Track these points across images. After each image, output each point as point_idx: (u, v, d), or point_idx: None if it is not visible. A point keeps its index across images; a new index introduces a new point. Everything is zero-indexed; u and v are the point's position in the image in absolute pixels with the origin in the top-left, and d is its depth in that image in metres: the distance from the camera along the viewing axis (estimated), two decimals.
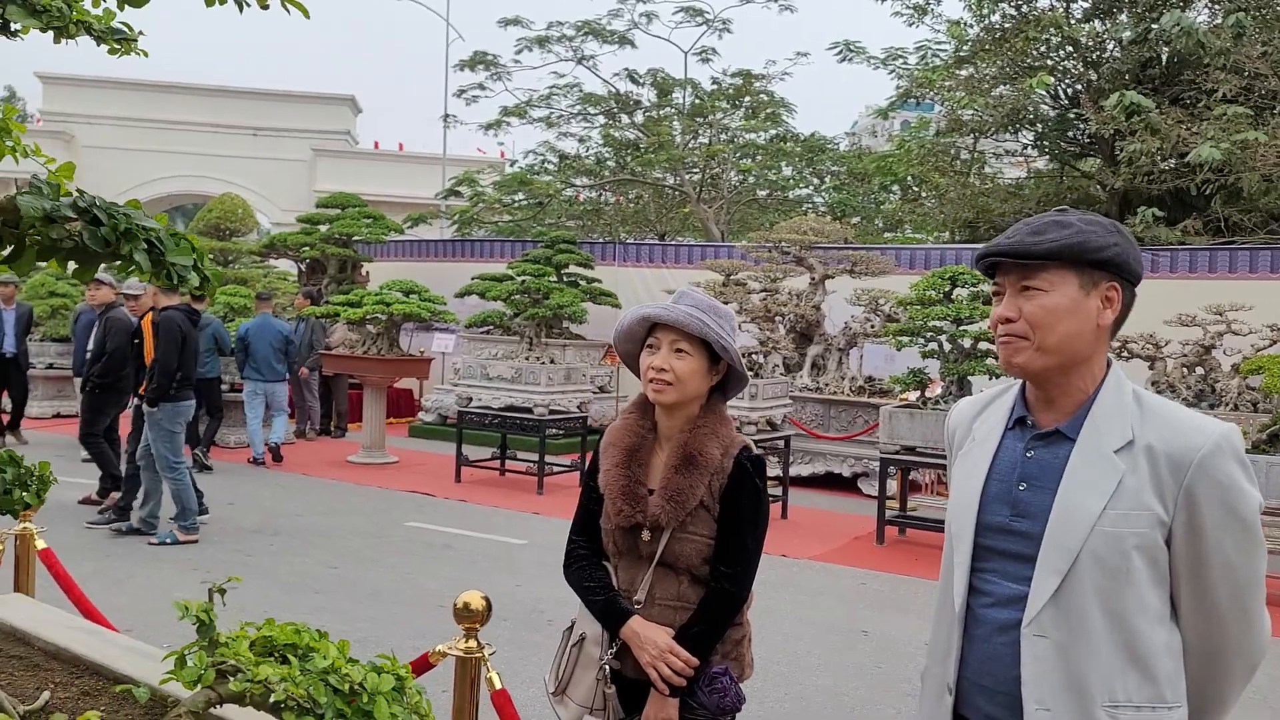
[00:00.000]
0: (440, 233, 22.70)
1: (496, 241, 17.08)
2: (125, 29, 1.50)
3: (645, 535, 2.27)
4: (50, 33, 1.44)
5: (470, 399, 11.46)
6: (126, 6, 1.10)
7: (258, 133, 30.53)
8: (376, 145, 33.46)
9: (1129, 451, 1.66)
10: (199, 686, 1.08)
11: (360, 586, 6.20)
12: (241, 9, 1.13)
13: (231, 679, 1.08)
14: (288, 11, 1.16)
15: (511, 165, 23.23)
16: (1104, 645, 1.63)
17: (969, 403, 1.97)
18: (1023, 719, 1.66)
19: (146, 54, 1.61)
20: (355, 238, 15.27)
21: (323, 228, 15.34)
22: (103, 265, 1.45)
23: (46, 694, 1.80)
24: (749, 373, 10.18)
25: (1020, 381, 1.84)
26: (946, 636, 1.81)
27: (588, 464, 2.46)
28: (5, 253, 1.22)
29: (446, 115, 23.89)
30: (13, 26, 1.44)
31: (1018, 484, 1.75)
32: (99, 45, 1.53)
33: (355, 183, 23.20)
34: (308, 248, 15.28)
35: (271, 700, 1.06)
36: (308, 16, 1.17)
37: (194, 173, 29.65)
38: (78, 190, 1.13)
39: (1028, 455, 1.76)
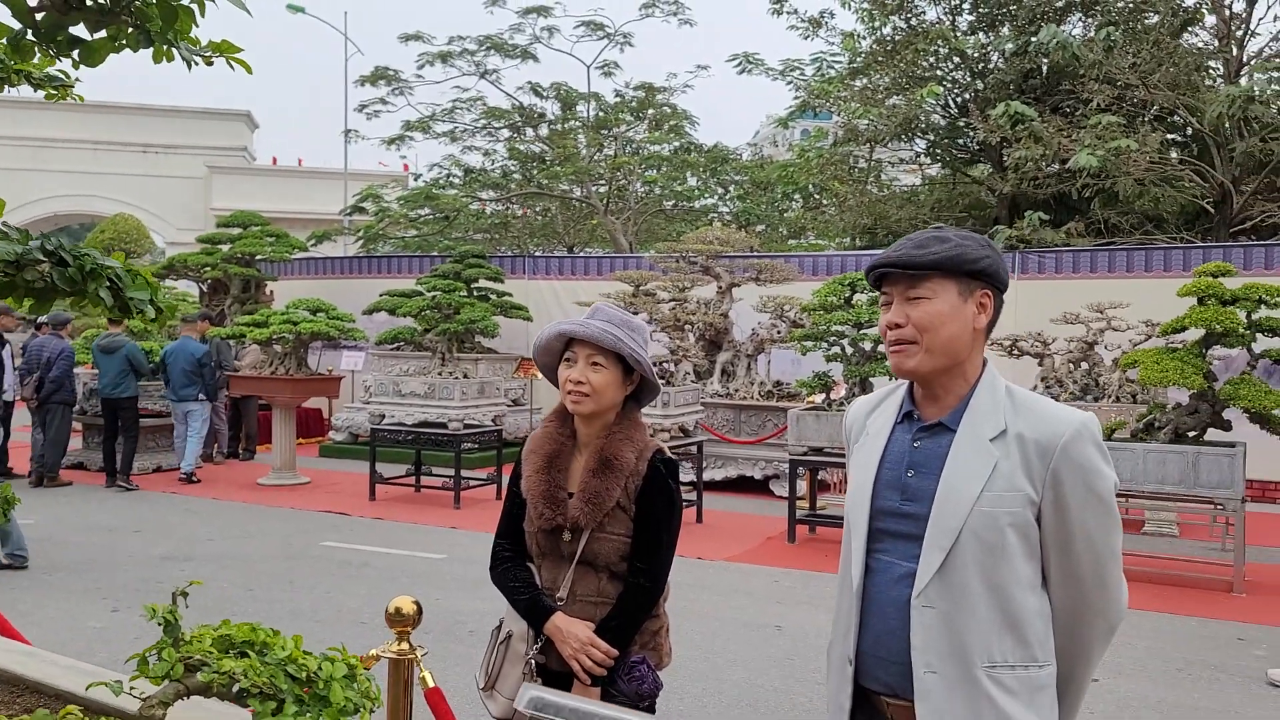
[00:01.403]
0: (345, 250, 22.44)
1: (403, 257, 16.98)
2: (62, 76, 1.59)
3: (566, 536, 2.42)
4: None
5: (383, 416, 11.41)
6: (80, 65, 1.21)
7: (148, 149, 29.66)
8: (275, 161, 32.84)
9: (1002, 440, 1.87)
10: (166, 681, 1.19)
11: (278, 608, 6.18)
12: (190, 68, 1.24)
13: (198, 672, 1.19)
14: (232, 68, 1.27)
15: (416, 180, 23.09)
16: (983, 613, 1.83)
17: (863, 401, 2.17)
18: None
19: (82, 99, 1.70)
20: (258, 257, 15.03)
21: (224, 247, 15.05)
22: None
23: None
24: (660, 381, 10.40)
25: (906, 384, 2.04)
26: (847, 614, 1.98)
27: (510, 471, 2.59)
28: None
29: (348, 130, 23.64)
30: None
31: (906, 471, 1.94)
32: (36, 91, 1.62)
33: (254, 200, 22.79)
34: (209, 268, 14.97)
35: (236, 689, 1.17)
36: (250, 73, 1.28)
37: (80, 192, 28.65)
38: (43, 235, 1.22)
39: (914, 445, 1.95)
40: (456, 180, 21.01)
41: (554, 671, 2.41)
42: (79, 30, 1.17)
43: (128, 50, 1.19)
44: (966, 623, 1.83)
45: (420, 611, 2.41)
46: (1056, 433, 1.84)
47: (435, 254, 16.58)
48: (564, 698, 1.10)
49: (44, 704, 1.99)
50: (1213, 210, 14.52)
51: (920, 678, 1.84)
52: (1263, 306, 7.38)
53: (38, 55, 1.20)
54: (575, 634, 2.35)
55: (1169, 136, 15.37)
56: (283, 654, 1.25)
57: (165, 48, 1.19)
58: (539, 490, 2.43)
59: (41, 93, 1.60)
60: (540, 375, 10.10)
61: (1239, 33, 14.62)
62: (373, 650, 2.31)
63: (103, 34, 1.17)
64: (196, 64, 1.24)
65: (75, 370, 11.06)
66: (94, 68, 1.21)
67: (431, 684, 2.39)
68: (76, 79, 1.62)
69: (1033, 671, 1.86)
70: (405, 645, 2.35)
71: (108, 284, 1.20)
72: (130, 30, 1.14)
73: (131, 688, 1.18)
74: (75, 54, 1.20)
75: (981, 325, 1.93)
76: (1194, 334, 7.55)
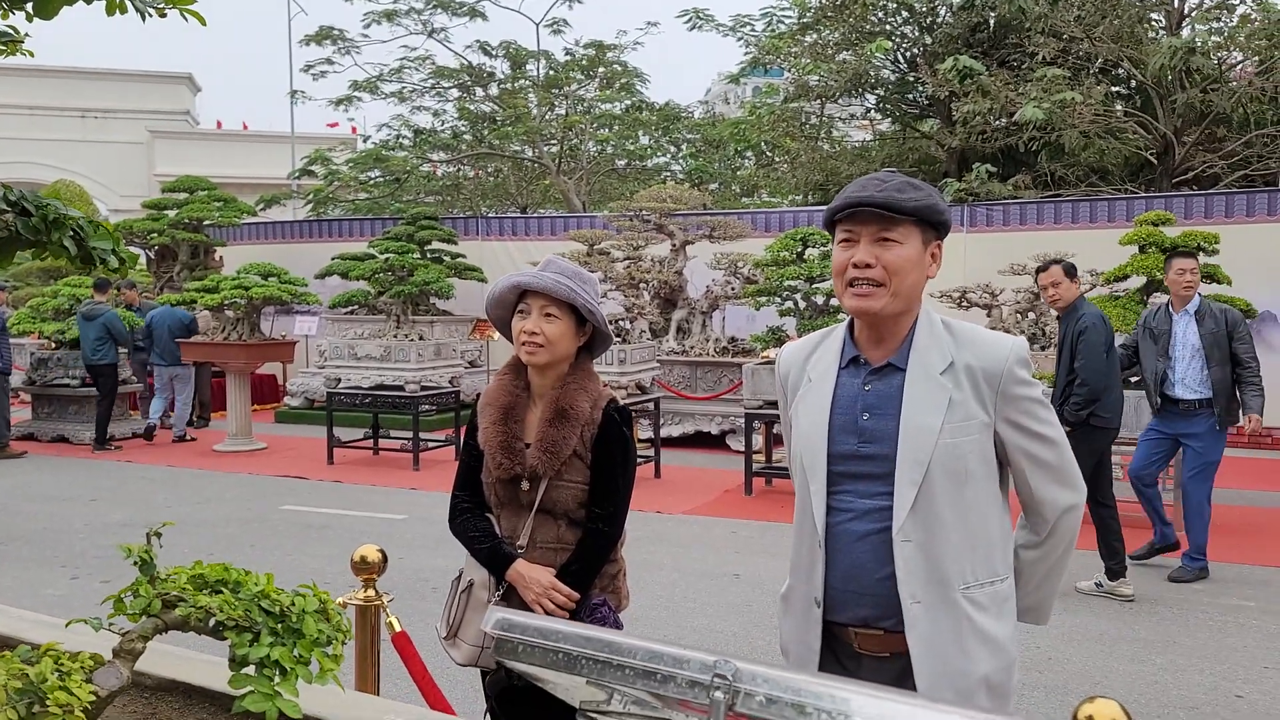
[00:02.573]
0: (294, 214, 22.10)
1: (355, 220, 16.79)
2: (12, 31, 1.58)
3: (524, 485, 2.47)
4: None
5: (339, 380, 11.36)
6: (34, 18, 1.21)
7: (86, 114, 28.88)
8: (219, 125, 32.16)
9: (951, 372, 1.95)
10: (144, 617, 1.23)
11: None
12: (144, 18, 1.25)
13: (175, 608, 1.23)
14: (185, 19, 1.28)
15: (365, 142, 22.77)
16: (956, 539, 1.92)
17: (795, 347, 2.21)
18: (891, 613, 1.94)
19: (32, 54, 1.70)
20: (206, 222, 14.78)
21: (171, 213, 14.78)
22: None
23: None
24: (616, 339, 10.45)
25: (843, 325, 2.10)
26: (809, 556, 2.04)
27: (467, 424, 2.63)
28: None
29: (294, 92, 23.18)
30: None
31: (861, 414, 1.99)
32: None
33: (198, 165, 22.30)
34: (156, 234, 14.70)
35: (213, 623, 1.22)
36: (204, 24, 1.29)
37: (17, 159, 27.82)
38: (3, 185, 1.24)
39: (865, 389, 2.01)
40: (406, 142, 20.73)
41: None
42: None
43: (81, 4, 1.21)
44: (942, 551, 1.92)
45: (385, 559, 2.46)
46: (1000, 358, 1.95)
47: (387, 216, 16.41)
48: (531, 618, 1.16)
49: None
50: (1155, 161, 14.81)
51: (908, 609, 1.92)
52: (1201, 254, 7.60)
53: None
54: (537, 579, 2.41)
55: (1113, 89, 15.59)
56: (255, 589, 1.30)
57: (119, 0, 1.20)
58: (497, 441, 2.47)
59: None
60: (497, 337, 10.21)
61: None
62: (340, 598, 2.36)
63: None
64: (150, 16, 1.25)
65: (21, 340, 10.85)
66: (48, 20, 1.21)
67: (399, 628, 2.45)
68: (26, 34, 1.62)
69: (997, 585, 1.98)
70: (371, 592, 2.41)
71: (71, 234, 1.22)
72: None
73: (110, 624, 1.22)
74: (29, 6, 1.22)
75: (934, 274, 2.00)
76: (1136, 282, 7.76)
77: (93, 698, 1.12)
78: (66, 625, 1.31)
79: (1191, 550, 6.14)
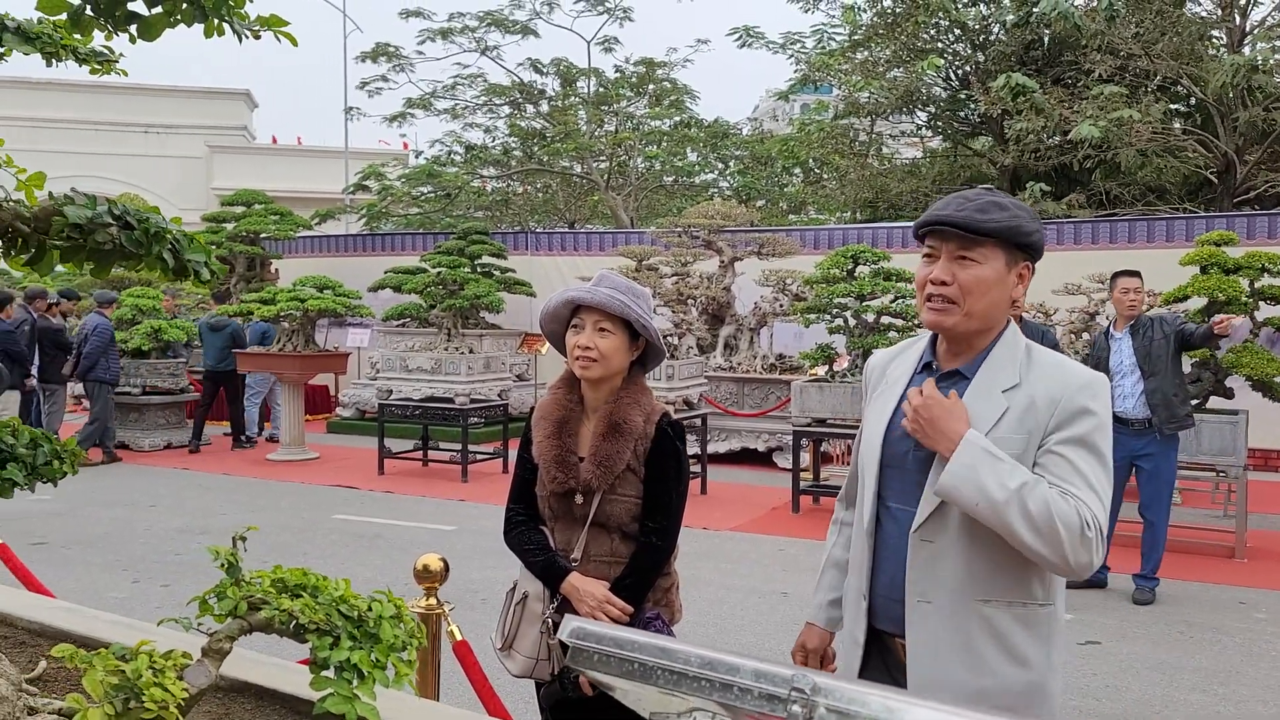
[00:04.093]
0: (348, 228, 22.46)
1: (407, 234, 17.02)
2: (107, 51, 1.65)
3: (578, 499, 2.49)
4: (41, 55, 1.60)
5: (390, 391, 11.50)
6: (138, 40, 1.27)
7: (148, 129, 29.62)
8: (275, 140, 32.81)
9: (1015, 391, 1.93)
10: (230, 618, 1.27)
11: None
12: (241, 40, 1.30)
13: (260, 610, 1.27)
14: (279, 41, 1.33)
15: (416, 157, 23.10)
16: (979, 550, 1.90)
17: (884, 352, 2.24)
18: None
19: (126, 73, 1.77)
20: (263, 235, 15.07)
21: (228, 226, 15.09)
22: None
23: (44, 663, 1.94)
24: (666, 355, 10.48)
25: (928, 336, 2.11)
26: (860, 553, 2.06)
27: (520, 438, 2.66)
28: (26, 257, 1.38)
29: (348, 108, 23.60)
30: None
31: None
32: (81, 66, 1.68)
33: (255, 179, 22.78)
34: (215, 246, 15.01)
35: (295, 626, 1.26)
36: (295, 45, 1.34)
37: (82, 173, 28.56)
38: (107, 199, 1.29)
39: None
40: (458, 157, 21.00)
41: None
42: (136, 5, 1.23)
43: (181, 25, 1.26)
44: (962, 559, 1.90)
45: (447, 568, 2.49)
46: (1068, 384, 1.91)
47: (438, 231, 16.62)
48: (605, 627, 1.18)
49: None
50: (1216, 180, 14.53)
51: (913, 606, 1.92)
52: (1265, 275, 7.44)
53: (98, 32, 1.27)
54: (591, 592, 2.43)
55: (1172, 107, 15.35)
56: (335, 594, 1.33)
57: (217, 22, 1.25)
58: (550, 455, 2.49)
59: (87, 67, 1.67)
60: (545, 351, 10.30)
61: (1242, 1, 14.57)
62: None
63: (159, 9, 1.24)
64: (246, 37, 1.30)
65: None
66: (150, 41, 1.27)
67: (459, 637, 2.47)
68: (121, 54, 1.68)
69: (1031, 609, 1.93)
70: (433, 600, 2.44)
71: (169, 246, 1.27)
72: (185, 5, 1.20)
73: (199, 624, 1.26)
74: (133, 29, 1.27)
75: (1019, 296, 2.00)
76: (1196, 303, 7.62)
77: (185, 694, 1.16)
78: (158, 624, 1.36)
79: (1147, 570, 6.08)
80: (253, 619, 1.27)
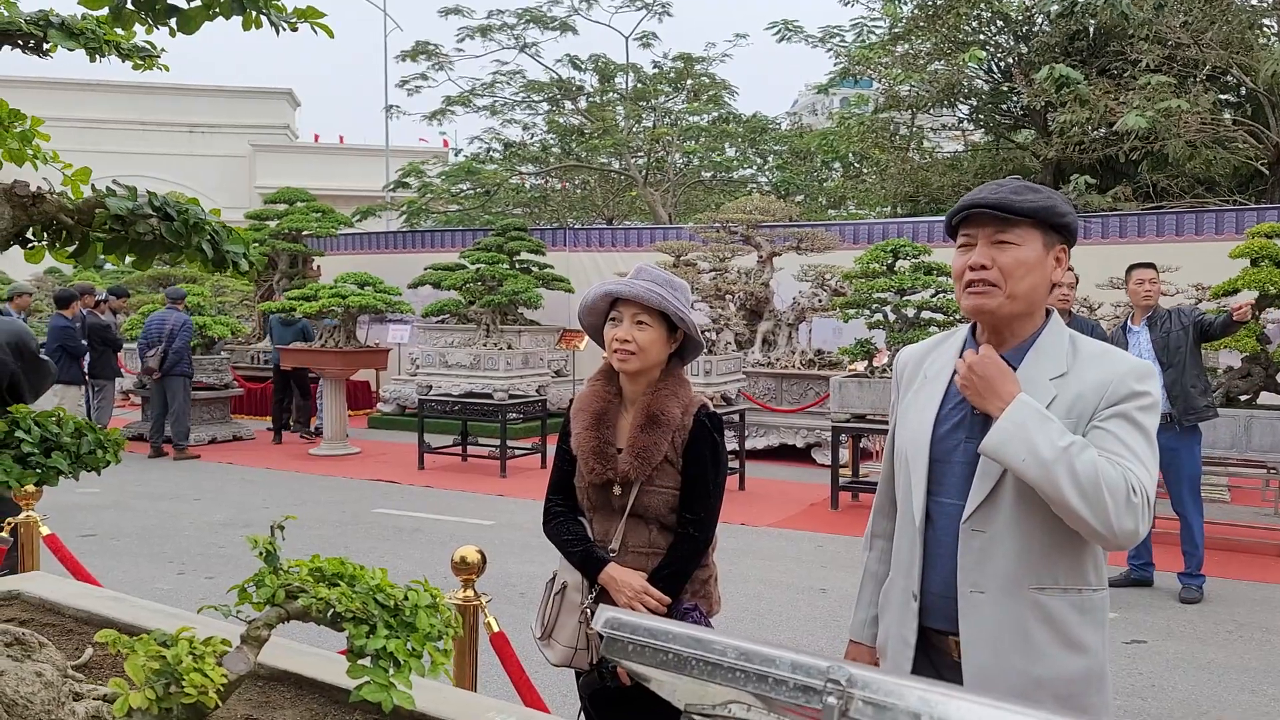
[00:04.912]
0: (388, 225, 22.67)
1: (446, 231, 17.14)
2: (149, 46, 1.67)
3: (616, 490, 2.49)
4: (85, 51, 1.62)
5: (430, 387, 11.59)
6: (177, 33, 1.28)
7: (193, 129, 30.10)
8: (316, 139, 33.19)
9: (1062, 380, 1.91)
10: (268, 606, 1.28)
11: None
12: (278, 32, 1.32)
13: (298, 599, 1.28)
14: (315, 33, 1.34)
15: (456, 155, 23.25)
16: (1035, 541, 1.88)
17: (914, 347, 2.21)
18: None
19: (168, 68, 1.79)
20: (305, 232, 15.25)
21: (271, 223, 15.29)
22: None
23: (90, 650, 1.98)
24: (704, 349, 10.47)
25: (965, 327, 2.09)
26: (908, 551, 2.02)
27: (560, 430, 2.66)
28: (70, 249, 1.40)
29: (389, 106, 23.78)
30: (44, 46, 1.62)
31: (973, 410, 1.96)
32: (124, 61, 1.71)
33: (297, 177, 23.07)
34: (258, 244, 15.23)
35: (332, 614, 1.27)
36: (331, 36, 1.35)
37: (129, 172, 29.03)
38: (148, 191, 1.31)
39: None
40: (496, 154, 21.10)
41: None
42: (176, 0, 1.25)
43: (219, 19, 1.27)
44: (1014, 547, 1.88)
45: (484, 560, 2.50)
46: (1117, 371, 1.89)
47: (477, 228, 16.72)
48: (640, 617, 1.18)
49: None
50: (1267, 172, 14.20)
51: (965, 596, 1.90)
52: None
53: (139, 26, 1.28)
54: (629, 583, 2.43)
55: (1221, 97, 15.02)
56: (371, 583, 1.34)
57: (254, 14, 1.26)
58: (589, 446, 2.49)
59: (130, 63, 1.69)
60: (583, 347, 10.28)
61: None
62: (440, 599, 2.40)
63: (198, 2, 1.25)
64: (283, 30, 1.31)
65: (131, 344, 11.35)
66: (189, 35, 1.28)
67: (496, 628, 2.48)
68: (162, 49, 1.70)
69: (1086, 595, 1.91)
70: (470, 592, 2.45)
71: (209, 238, 1.28)
72: None
73: (238, 611, 1.28)
74: (172, 22, 1.28)
75: (1057, 278, 1.98)
76: (1247, 296, 7.45)
77: (224, 680, 1.17)
78: (198, 611, 1.37)
79: (1191, 569, 5.97)
80: (290, 607, 1.28)
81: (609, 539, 2.51)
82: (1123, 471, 1.79)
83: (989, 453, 1.85)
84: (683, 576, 2.48)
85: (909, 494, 2.03)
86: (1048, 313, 2.01)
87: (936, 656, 2.02)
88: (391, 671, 1.27)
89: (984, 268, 1.92)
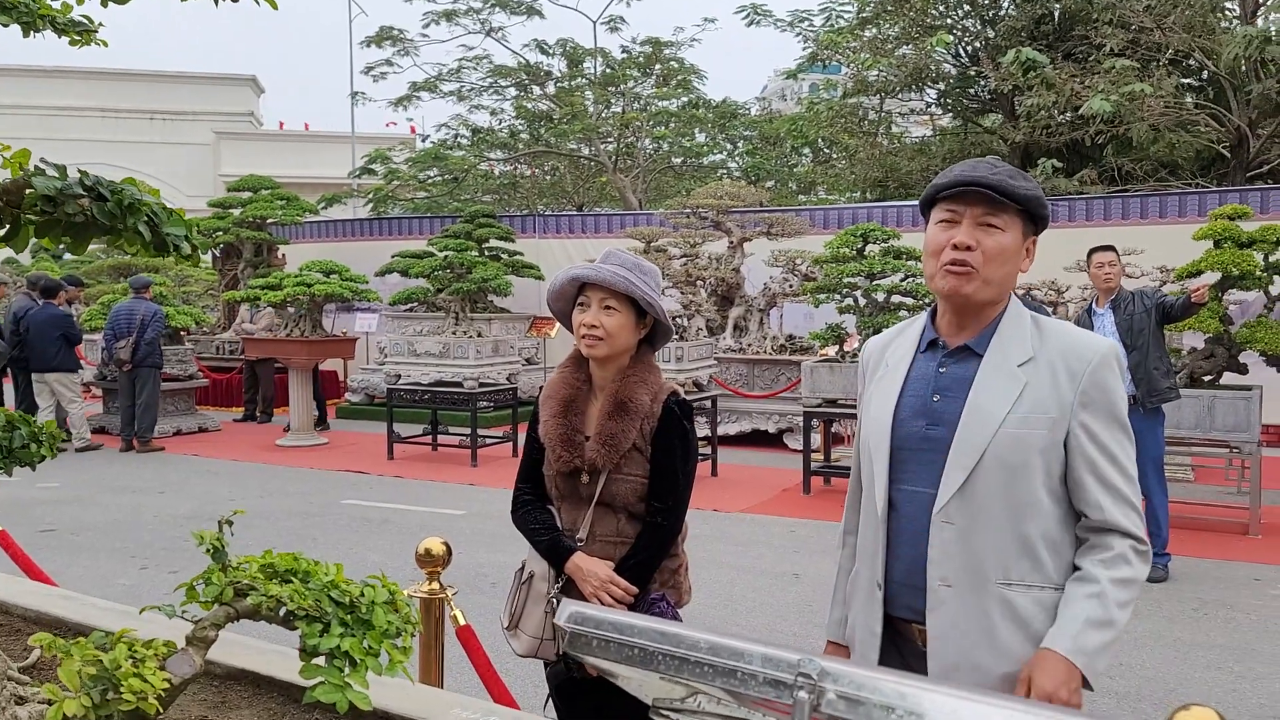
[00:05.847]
0: (354, 212, 22.41)
1: (414, 219, 16.96)
2: (86, 21, 1.59)
3: (584, 478, 2.44)
4: (18, 27, 1.55)
5: (399, 376, 11.48)
6: (109, 3, 1.21)
7: (155, 116, 29.59)
8: (281, 126, 32.74)
9: (1031, 365, 1.89)
10: (216, 605, 1.23)
11: None
12: (216, 3, 1.25)
13: (247, 596, 1.22)
14: (258, 4, 1.27)
15: (423, 141, 23.00)
16: (1003, 533, 1.85)
17: (880, 336, 2.18)
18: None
19: (106, 44, 1.72)
20: (269, 220, 15.03)
21: (235, 211, 15.06)
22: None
23: (37, 650, 1.91)
24: (674, 335, 10.45)
25: (925, 313, 2.05)
26: (873, 540, 2.00)
27: (529, 418, 2.61)
28: (0, 232, 1.33)
29: (355, 93, 23.50)
30: None
31: (932, 396, 1.95)
32: (60, 37, 1.63)
33: (262, 165, 22.69)
34: (221, 232, 14.99)
35: (284, 612, 1.21)
36: (275, 8, 1.28)
37: (90, 160, 28.53)
38: (79, 170, 1.24)
39: (940, 371, 1.96)
40: (464, 141, 20.90)
41: None
42: None
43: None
44: (985, 541, 1.85)
45: (450, 552, 2.45)
46: (1085, 358, 1.87)
47: (445, 215, 16.56)
48: (605, 611, 1.13)
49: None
50: (1229, 155, 14.35)
51: (934, 590, 1.88)
52: None
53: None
54: (595, 572, 2.39)
55: (1184, 81, 15.14)
56: (325, 580, 1.29)
57: None
58: (557, 434, 2.46)
59: (66, 38, 1.62)
60: (554, 334, 10.22)
61: None
62: (404, 591, 2.35)
63: None
64: (259, 4, 1.25)
65: (94, 336, 11.13)
66: (122, 5, 1.22)
67: (463, 621, 2.44)
68: (100, 24, 1.63)
69: (1050, 593, 1.87)
70: (436, 585, 2.40)
71: (145, 219, 1.22)
72: None
73: (183, 611, 1.22)
74: None
75: (1025, 268, 1.96)
76: (1209, 278, 7.52)
77: (166, 685, 1.12)
78: (140, 612, 1.32)
79: (1156, 548, 6.02)
80: (239, 605, 1.23)
81: (577, 527, 2.47)
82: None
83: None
84: (650, 566, 2.44)
85: (872, 482, 2.01)
86: (1009, 296, 2.00)
87: (903, 644, 1.99)
88: (347, 671, 1.22)
89: (969, 249, 1.89)
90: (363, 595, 1.30)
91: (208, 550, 1.27)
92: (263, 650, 1.92)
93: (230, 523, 1.33)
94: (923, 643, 1.94)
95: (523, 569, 2.55)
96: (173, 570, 6.13)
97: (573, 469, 2.43)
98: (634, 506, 2.45)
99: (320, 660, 1.24)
